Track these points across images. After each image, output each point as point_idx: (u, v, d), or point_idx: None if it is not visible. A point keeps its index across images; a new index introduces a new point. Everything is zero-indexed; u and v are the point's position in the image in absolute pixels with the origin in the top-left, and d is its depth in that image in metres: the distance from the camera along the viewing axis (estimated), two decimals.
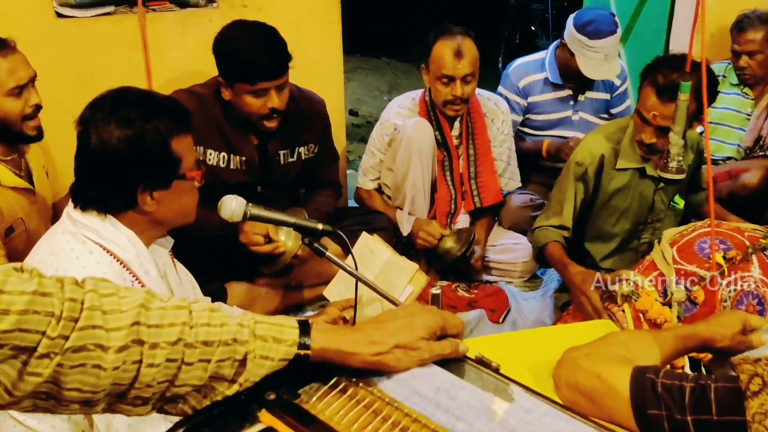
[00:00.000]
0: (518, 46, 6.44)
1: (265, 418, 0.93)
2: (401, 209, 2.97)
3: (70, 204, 1.61)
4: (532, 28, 6.48)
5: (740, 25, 3.29)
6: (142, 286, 1.57)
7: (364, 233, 2.28)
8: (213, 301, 2.10)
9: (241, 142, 2.58)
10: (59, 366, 0.85)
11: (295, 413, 0.94)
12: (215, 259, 2.55)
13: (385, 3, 7.68)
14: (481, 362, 1.08)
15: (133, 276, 1.56)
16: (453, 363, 1.06)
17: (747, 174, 3.13)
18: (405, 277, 2.08)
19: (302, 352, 0.97)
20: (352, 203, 3.33)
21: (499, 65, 6.27)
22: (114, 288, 0.92)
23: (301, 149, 2.72)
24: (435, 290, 1.86)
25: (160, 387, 0.92)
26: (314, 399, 0.97)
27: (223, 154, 2.57)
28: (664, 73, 2.33)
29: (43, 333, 0.84)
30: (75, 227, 1.56)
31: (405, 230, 2.92)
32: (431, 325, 1.04)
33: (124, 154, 1.52)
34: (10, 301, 0.82)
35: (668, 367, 1.30)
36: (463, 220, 3.06)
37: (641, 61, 3.96)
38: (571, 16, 3.19)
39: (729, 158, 3.40)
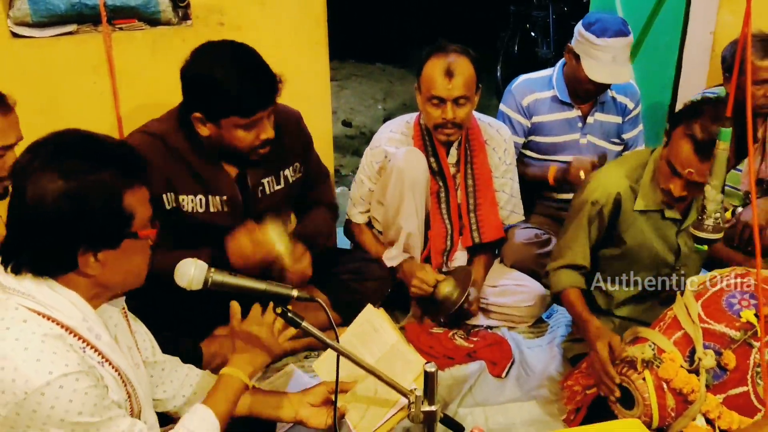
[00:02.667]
0: (518, 54, 6.21)
1: None
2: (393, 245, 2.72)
3: None
4: (533, 34, 6.24)
5: (730, 54, 2.90)
6: (96, 351, 1.38)
7: (369, 306, 1.98)
8: (185, 362, 1.87)
9: (217, 178, 2.28)
10: None
11: None
12: (188, 308, 2.29)
13: (380, 8, 7.48)
14: None
15: (83, 341, 1.37)
16: None
17: None
18: (410, 373, 1.78)
19: None
20: (341, 234, 3.06)
21: (498, 74, 6.06)
22: None
23: (287, 171, 2.42)
24: (429, 367, 1.61)
25: None
26: None
27: (199, 197, 2.26)
28: (704, 124, 2.02)
29: None
30: (5, 294, 1.35)
31: (391, 262, 2.68)
32: None
33: (64, 211, 1.31)
34: None
35: None
36: (460, 258, 2.80)
37: (651, 78, 3.76)
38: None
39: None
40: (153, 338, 1.72)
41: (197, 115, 2.14)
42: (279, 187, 2.41)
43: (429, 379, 1.62)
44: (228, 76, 2.06)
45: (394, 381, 1.66)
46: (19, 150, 1.57)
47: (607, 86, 3.01)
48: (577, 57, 2.91)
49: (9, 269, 1.36)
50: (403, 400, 1.73)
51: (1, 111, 1.96)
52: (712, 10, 3.36)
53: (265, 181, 2.37)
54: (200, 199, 2.27)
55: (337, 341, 1.65)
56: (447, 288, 2.59)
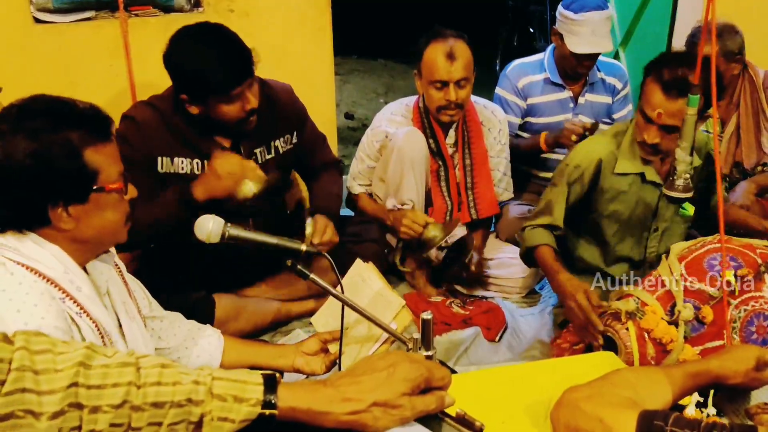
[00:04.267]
0: (516, 48, 6.36)
1: None
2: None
3: None
4: (531, 29, 6.39)
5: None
6: (75, 302, 1.44)
7: (358, 260, 2.13)
8: (200, 311, 1.97)
9: (211, 149, 2.40)
10: None
11: None
12: (200, 268, 2.44)
13: (381, 4, 7.62)
14: (464, 421, 0.97)
15: (63, 293, 1.43)
16: (434, 422, 0.95)
17: None
18: (390, 313, 1.92)
19: (267, 411, 0.86)
20: (344, 212, 3.20)
21: (497, 68, 6.19)
22: (49, 343, 0.81)
23: (278, 142, 2.55)
24: (426, 315, 1.73)
25: None
26: None
27: (196, 161, 2.40)
28: (670, 67, 2.17)
29: None
30: None
31: (388, 203, 2.81)
32: (414, 377, 0.92)
33: (30, 169, 1.39)
34: None
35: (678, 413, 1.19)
36: (458, 233, 2.93)
37: (642, 65, 3.90)
38: None
39: None
40: (150, 295, 1.83)
41: (184, 96, 2.29)
42: (270, 156, 2.53)
43: (426, 326, 1.75)
44: (201, 61, 2.21)
45: (391, 329, 1.80)
46: None
47: (593, 61, 3.15)
48: (562, 37, 3.08)
49: None
50: (385, 335, 1.88)
51: None
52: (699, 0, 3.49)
53: (257, 151, 2.49)
54: (197, 163, 2.40)
55: (342, 293, 1.79)
56: (433, 231, 2.70)
